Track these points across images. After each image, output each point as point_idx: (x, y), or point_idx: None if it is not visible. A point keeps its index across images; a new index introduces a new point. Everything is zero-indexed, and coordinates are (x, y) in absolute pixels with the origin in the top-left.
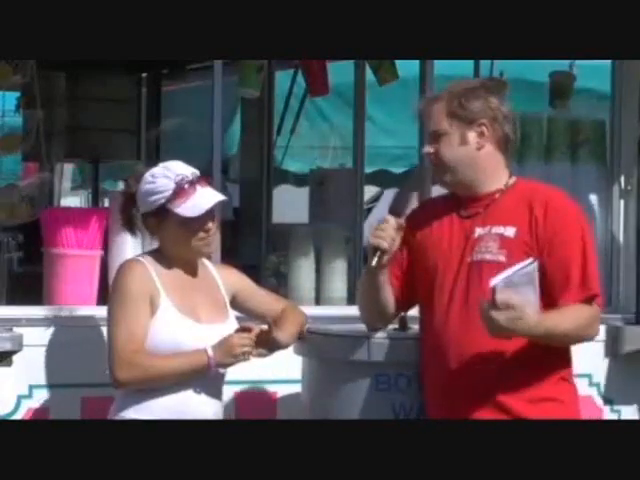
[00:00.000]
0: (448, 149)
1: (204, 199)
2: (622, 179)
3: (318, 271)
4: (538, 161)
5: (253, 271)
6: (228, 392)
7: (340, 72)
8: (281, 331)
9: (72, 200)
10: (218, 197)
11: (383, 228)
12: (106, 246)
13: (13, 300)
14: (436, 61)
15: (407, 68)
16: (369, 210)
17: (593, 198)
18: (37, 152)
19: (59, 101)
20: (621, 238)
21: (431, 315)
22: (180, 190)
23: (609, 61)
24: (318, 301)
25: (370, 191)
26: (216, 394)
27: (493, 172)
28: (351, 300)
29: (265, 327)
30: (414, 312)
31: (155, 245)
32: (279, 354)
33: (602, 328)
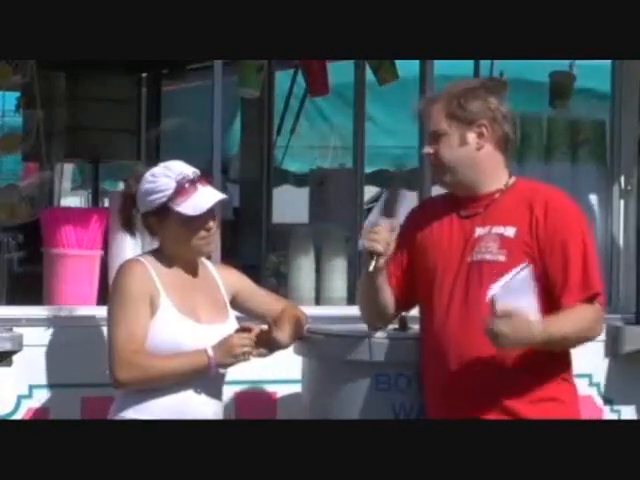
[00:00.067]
0: (448, 150)
1: (205, 198)
2: (622, 179)
3: (318, 271)
4: (538, 161)
5: (253, 271)
6: (228, 392)
7: (340, 72)
8: (281, 331)
9: (72, 200)
10: (219, 196)
11: (377, 231)
12: (106, 246)
13: (13, 300)
14: (436, 61)
15: (407, 68)
16: (369, 210)
17: (593, 198)
18: (37, 152)
19: (59, 101)
20: (621, 238)
21: (431, 315)
22: (181, 189)
23: (609, 61)
24: (318, 301)
25: (370, 191)
26: (216, 394)
27: (493, 172)
28: (351, 300)
29: (265, 327)
30: (414, 312)
31: (155, 245)
32: (279, 354)
33: None
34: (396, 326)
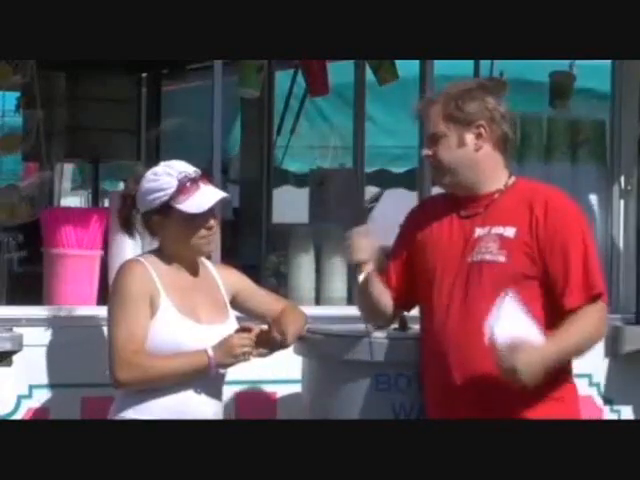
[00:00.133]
0: (446, 152)
1: (207, 196)
2: (622, 179)
3: (318, 271)
4: (538, 161)
5: (253, 271)
6: (228, 392)
7: (340, 72)
8: (281, 331)
9: (72, 200)
10: (221, 194)
11: (354, 241)
12: (106, 246)
13: (13, 300)
14: (436, 61)
15: (407, 68)
16: (369, 210)
17: (593, 198)
18: (37, 152)
19: (59, 101)
20: (621, 238)
21: (431, 315)
22: (183, 187)
23: (609, 61)
24: (318, 301)
25: (370, 191)
26: (216, 394)
27: (492, 172)
28: (351, 300)
29: (265, 327)
30: (414, 312)
31: (155, 245)
32: (279, 354)
33: None
34: (396, 326)
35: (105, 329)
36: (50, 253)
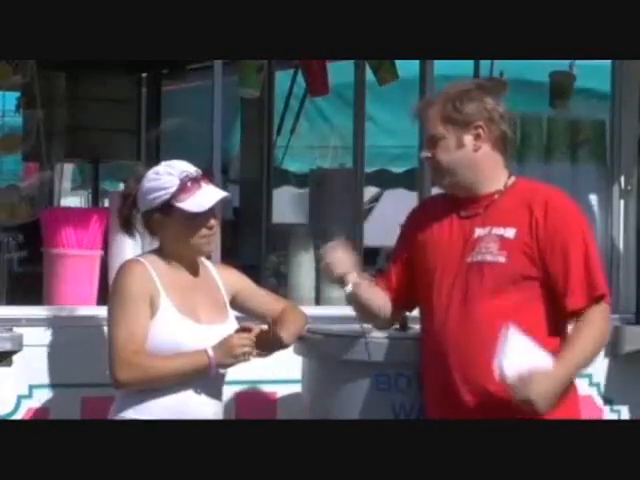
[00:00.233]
0: (445, 153)
1: (208, 195)
2: (622, 179)
3: (318, 271)
4: (538, 161)
5: (253, 271)
6: (228, 392)
7: (340, 72)
8: (281, 331)
9: (72, 200)
10: (222, 194)
11: (329, 258)
12: (106, 246)
13: (13, 300)
14: (436, 61)
15: (407, 68)
16: (369, 210)
17: (593, 198)
18: (37, 152)
19: (59, 101)
20: (621, 238)
21: (431, 315)
22: (184, 186)
23: (609, 61)
24: (318, 301)
25: (370, 191)
26: (216, 394)
27: (491, 172)
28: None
29: (265, 327)
30: (414, 312)
31: (155, 245)
32: (279, 354)
33: None
34: (396, 326)
35: (105, 329)
36: (50, 253)
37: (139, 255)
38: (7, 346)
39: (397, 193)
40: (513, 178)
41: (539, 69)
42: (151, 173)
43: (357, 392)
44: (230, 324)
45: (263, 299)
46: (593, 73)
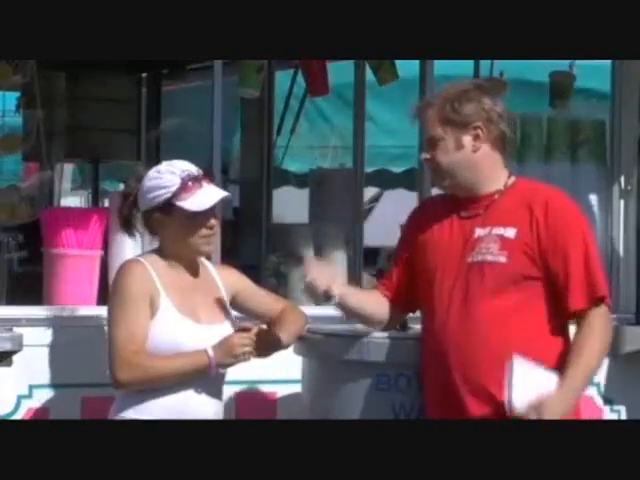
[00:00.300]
0: (444, 155)
1: (209, 195)
2: (622, 179)
3: None
4: (538, 161)
5: (253, 271)
6: (228, 392)
7: (340, 72)
8: (281, 331)
9: (72, 200)
10: (222, 193)
11: (310, 275)
12: (106, 246)
13: (13, 300)
14: (436, 61)
15: (407, 68)
16: (369, 210)
17: (593, 198)
18: (37, 152)
19: (59, 101)
20: (621, 238)
21: (431, 315)
22: (186, 185)
23: (609, 61)
24: None
25: (370, 191)
26: (216, 394)
27: (491, 172)
28: None
29: (265, 327)
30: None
31: (155, 245)
32: (279, 354)
33: None
34: (396, 326)
35: (105, 329)
36: (50, 253)
37: (139, 255)
38: (7, 346)
39: (397, 193)
40: (513, 178)
41: (539, 69)
42: (152, 172)
43: (357, 392)
44: (230, 324)
45: (263, 299)
46: (593, 73)
